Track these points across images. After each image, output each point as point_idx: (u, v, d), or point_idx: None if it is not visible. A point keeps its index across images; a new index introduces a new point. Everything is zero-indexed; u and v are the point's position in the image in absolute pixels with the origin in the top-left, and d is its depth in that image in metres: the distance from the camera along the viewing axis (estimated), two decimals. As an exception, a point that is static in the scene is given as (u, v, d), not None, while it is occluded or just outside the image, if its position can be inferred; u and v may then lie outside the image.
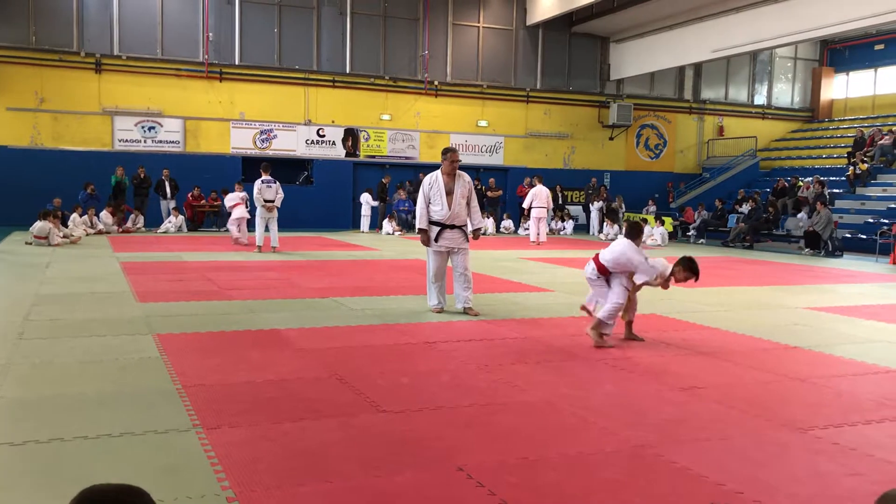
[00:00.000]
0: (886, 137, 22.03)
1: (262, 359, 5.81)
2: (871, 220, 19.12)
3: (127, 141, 20.48)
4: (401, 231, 20.70)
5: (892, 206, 19.34)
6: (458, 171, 8.20)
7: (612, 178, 25.39)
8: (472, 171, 21.06)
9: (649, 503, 3.38)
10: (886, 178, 21.18)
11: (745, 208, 20.93)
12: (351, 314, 7.91)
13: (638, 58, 24.14)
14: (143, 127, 20.62)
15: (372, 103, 22.70)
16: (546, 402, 4.85)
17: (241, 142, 21.54)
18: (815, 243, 17.80)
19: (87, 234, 17.04)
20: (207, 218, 20.53)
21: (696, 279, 6.68)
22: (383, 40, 22.69)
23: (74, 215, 17.37)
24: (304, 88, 22.01)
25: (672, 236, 21.16)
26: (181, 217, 19.57)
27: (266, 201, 14.29)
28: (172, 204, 19.75)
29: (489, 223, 21.21)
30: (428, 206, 8.12)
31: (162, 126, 20.80)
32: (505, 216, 23.49)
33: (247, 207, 16.50)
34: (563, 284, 10.72)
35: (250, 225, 15.94)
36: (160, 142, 20.83)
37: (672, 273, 6.63)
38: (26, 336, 6.44)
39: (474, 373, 5.59)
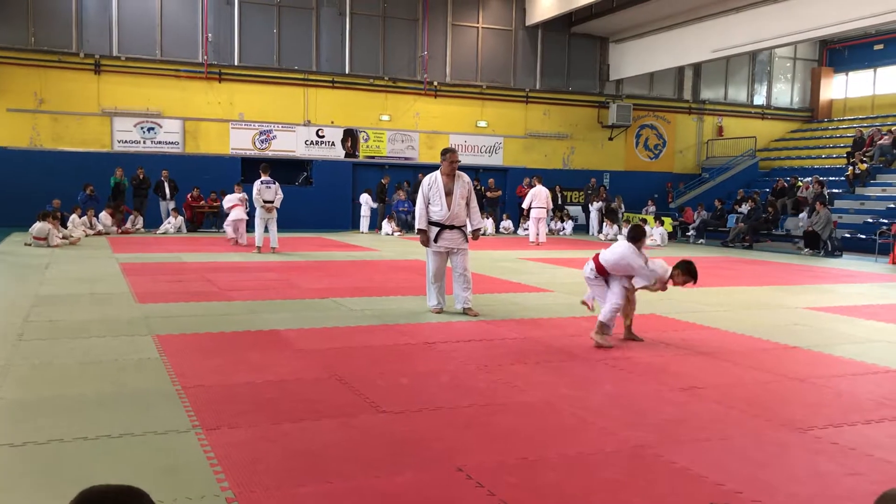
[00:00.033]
0: (886, 137, 22.04)
1: (261, 359, 5.81)
2: (871, 220, 19.13)
3: (126, 142, 20.48)
4: (400, 232, 20.70)
5: (892, 205, 19.35)
6: (457, 172, 8.20)
7: (612, 179, 25.40)
8: (472, 171, 21.06)
9: (649, 503, 3.38)
10: (886, 178, 21.19)
11: (745, 208, 20.94)
12: (350, 315, 7.91)
13: (637, 58, 24.15)
14: (142, 128, 20.62)
15: (371, 104, 22.71)
16: (545, 403, 4.85)
17: (241, 142, 21.54)
18: (815, 243, 17.80)
19: (87, 235, 17.04)
20: (207, 219, 20.53)
21: (694, 283, 6.67)
22: (382, 41, 22.69)
23: (74, 216, 17.37)
24: (304, 89, 22.01)
25: (671, 236, 21.17)
26: (180, 218, 19.57)
27: (265, 202, 14.29)
28: (172, 205, 19.75)
29: (488, 224, 21.22)
30: (427, 207, 8.12)
31: (161, 127, 20.80)
32: (504, 216, 23.50)
33: (246, 209, 16.51)
34: (562, 285, 10.72)
35: (250, 226, 15.96)
36: (159, 143, 20.83)
37: (671, 276, 6.62)
38: (26, 337, 6.43)
39: (474, 373, 5.59)
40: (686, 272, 6.56)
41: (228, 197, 17.01)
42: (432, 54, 23.13)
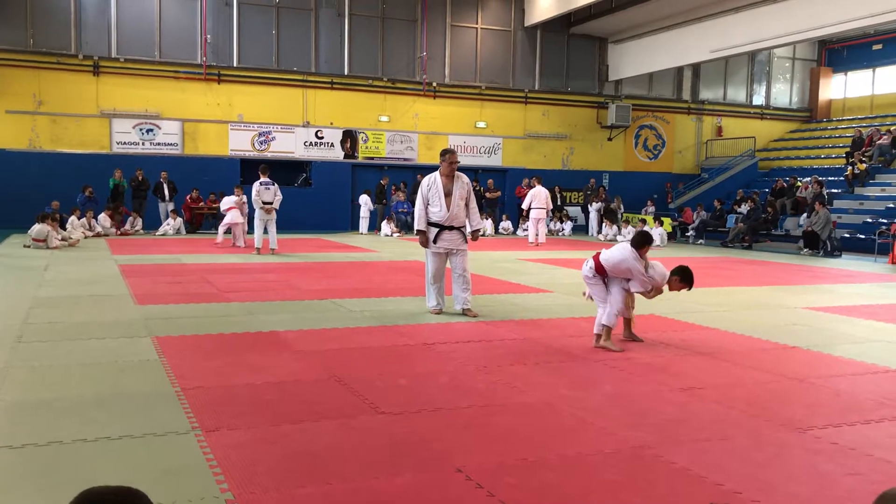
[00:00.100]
0: (885, 137, 22.05)
1: (260, 361, 5.81)
2: (870, 220, 19.13)
3: (125, 143, 20.48)
4: (399, 233, 20.70)
5: (891, 205, 19.36)
6: (456, 173, 8.20)
7: (611, 179, 25.40)
8: (471, 172, 21.05)
9: (648, 503, 3.38)
10: (885, 178, 21.20)
11: (744, 208, 20.94)
12: (350, 316, 7.91)
13: (636, 58, 24.15)
14: (141, 129, 20.62)
15: (370, 105, 22.71)
16: (545, 403, 4.85)
17: (240, 144, 21.54)
18: (814, 243, 17.81)
19: (86, 237, 17.03)
20: (206, 220, 20.51)
21: (689, 289, 6.67)
22: (381, 42, 22.69)
23: (73, 218, 17.36)
24: (303, 90, 22.01)
25: (671, 237, 21.17)
26: (179, 219, 19.56)
27: (265, 203, 14.28)
28: (171, 206, 19.75)
29: (488, 224, 21.22)
30: (426, 208, 8.12)
31: (160, 128, 20.80)
32: (503, 217, 23.50)
33: (243, 213, 16.50)
34: (561, 285, 10.72)
35: (249, 227, 15.96)
36: (158, 144, 20.82)
37: (668, 282, 6.60)
38: (25, 339, 6.43)
39: (473, 374, 5.59)
40: (683, 279, 6.55)
41: (225, 199, 17.02)
42: (431, 55, 23.14)
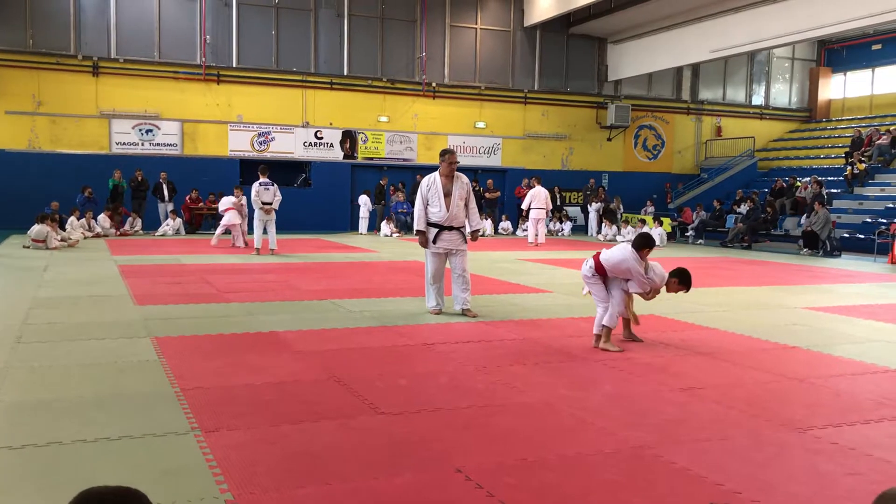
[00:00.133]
0: (884, 137, 22.05)
1: (260, 361, 5.80)
2: (869, 220, 19.14)
3: (124, 144, 20.48)
4: (399, 233, 20.70)
5: (890, 205, 19.36)
6: (456, 173, 8.20)
7: (611, 179, 25.41)
8: (470, 172, 21.04)
9: (648, 503, 3.38)
10: (884, 178, 21.20)
11: (744, 209, 20.95)
12: (349, 316, 7.91)
13: (636, 59, 24.16)
14: (140, 130, 20.62)
15: (369, 105, 22.71)
16: (544, 403, 4.85)
17: (239, 144, 21.54)
18: (814, 243, 17.81)
19: (85, 238, 17.02)
20: (205, 221, 20.50)
21: (687, 291, 6.67)
22: (381, 42, 22.69)
23: (72, 218, 17.35)
24: (302, 91, 22.01)
25: (670, 237, 21.18)
26: (179, 220, 19.56)
27: (264, 204, 14.28)
28: (170, 207, 19.74)
29: (487, 224, 21.22)
30: (426, 208, 8.11)
31: (159, 129, 20.80)
32: (503, 217, 23.50)
33: (241, 214, 16.49)
34: (561, 286, 10.72)
35: (249, 228, 15.96)
36: (158, 144, 20.82)
37: (666, 283, 6.60)
38: (24, 340, 6.43)
39: (472, 374, 5.59)
40: (682, 281, 6.55)
41: (224, 199, 17.03)
42: (430, 55, 23.14)
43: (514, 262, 14.16)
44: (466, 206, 8.22)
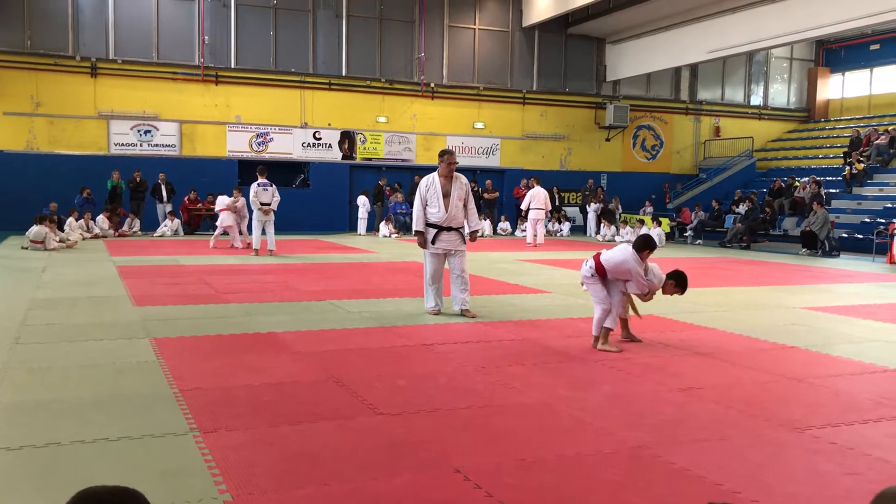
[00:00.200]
0: (882, 137, 22.07)
1: (259, 362, 5.80)
2: (868, 220, 19.15)
3: (123, 145, 20.46)
4: (397, 234, 20.70)
5: (889, 205, 19.38)
6: (454, 174, 8.20)
7: (609, 180, 25.42)
8: (469, 172, 21.04)
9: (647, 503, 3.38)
10: (883, 178, 21.22)
11: (742, 209, 20.96)
12: (348, 317, 7.91)
13: (634, 59, 24.17)
14: (138, 131, 20.61)
15: (368, 106, 22.70)
16: (543, 404, 4.85)
17: (238, 145, 21.53)
18: (812, 243, 17.82)
19: (84, 239, 17.01)
20: (204, 221, 20.48)
21: (682, 293, 6.70)
22: (379, 43, 22.69)
23: (71, 219, 17.34)
24: (301, 91, 22.01)
25: (669, 237, 21.18)
26: (177, 221, 19.55)
27: (262, 204, 14.27)
28: (168, 208, 19.74)
29: (486, 225, 21.21)
30: (425, 209, 8.11)
31: (158, 130, 20.79)
32: (502, 218, 23.50)
33: (240, 214, 16.48)
34: (560, 286, 10.72)
35: (249, 228, 15.95)
36: (156, 145, 20.81)
37: (663, 285, 6.61)
38: (23, 340, 6.42)
39: (471, 375, 5.59)
40: (678, 283, 6.57)
41: (220, 199, 17.02)
42: (429, 56, 23.14)
43: (512, 263, 14.17)
44: (465, 206, 8.22)
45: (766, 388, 5.41)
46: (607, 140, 25.75)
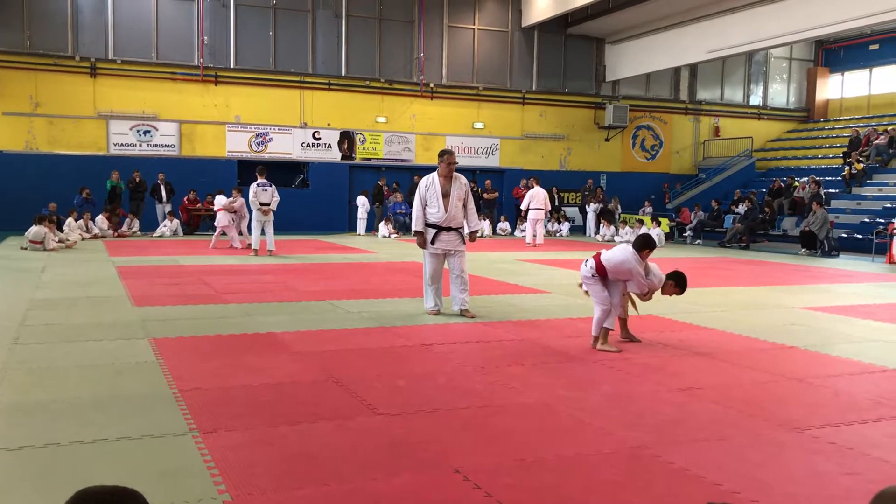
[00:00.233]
0: (882, 137, 22.07)
1: (258, 362, 5.80)
2: (867, 220, 19.16)
3: (122, 145, 20.46)
4: (397, 234, 20.70)
5: (888, 205, 19.38)
6: (454, 174, 8.21)
7: (609, 180, 25.42)
8: (469, 172, 21.05)
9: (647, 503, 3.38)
10: (882, 178, 21.22)
11: (742, 209, 20.96)
12: (347, 317, 7.91)
13: (633, 59, 24.17)
14: (138, 131, 20.60)
15: (367, 106, 22.70)
16: (543, 404, 4.85)
17: (237, 145, 21.53)
18: (812, 243, 17.82)
19: (83, 239, 17.00)
20: (203, 222, 20.47)
21: (681, 294, 6.71)
22: (378, 43, 22.69)
23: (70, 220, 17.33)
24: (300, 91, 22.01)
25: (668, 237, 21.18)
26: (176, 221, 19.55)
27: (262, 205, 14.27)
28: (168, 208, 19.73)
29: (485, 225, 21.21)
30: (424, 209, 8.11)
31: (157, 130, 20.79)
32: (502, 218, 23.50)
33: (240, 214, 16.48)
34: (559, 286, 10.72)
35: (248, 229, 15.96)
36: (155, 146, 20.81)
37: (662, 285, 6.62)
38: (22, 341, 6.42)
39: (471, 375, 5.59)
40: (678, 284, 6.58)
41: (217, 199, 17.01)
42: (428, 56, 23.14)
43: (512, 263, 14.17)
44: (465, 206, 8.22)
45: (766, 388, 5.41)
46: (607, 140, 25.75)
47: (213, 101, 21.14)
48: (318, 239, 19.29)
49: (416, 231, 8.21)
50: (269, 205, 14.34)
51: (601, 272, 6.49)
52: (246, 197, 15.56)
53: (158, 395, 4.86)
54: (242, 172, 20.74)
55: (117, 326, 7.10)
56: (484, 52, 23.91)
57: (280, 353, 6.18)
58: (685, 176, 26.85)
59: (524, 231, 20.27)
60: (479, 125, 23.96)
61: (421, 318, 7.94)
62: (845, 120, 27.27)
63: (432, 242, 8.12)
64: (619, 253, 6.52)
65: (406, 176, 22.68)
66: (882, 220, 18.17)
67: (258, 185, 14.33)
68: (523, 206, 19.81)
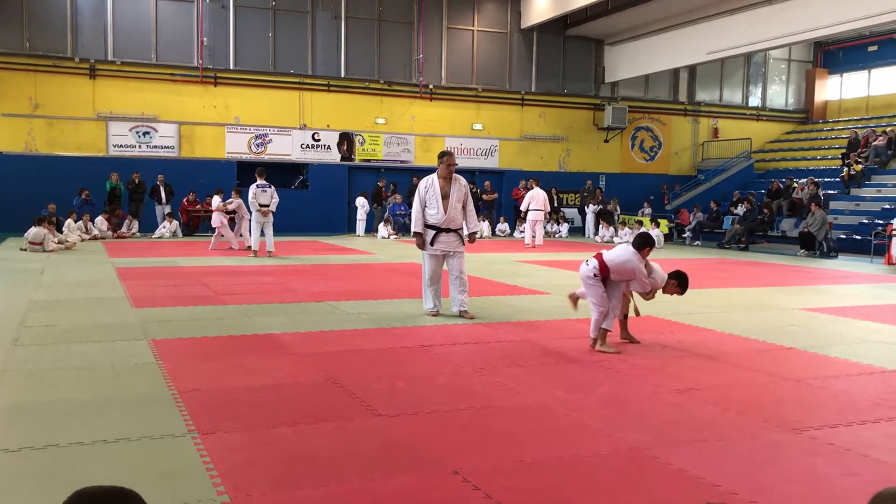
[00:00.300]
0: (880, 138, 22.09)
1: (257, 363, 5.80)
2: (866, 221, 19.16)
3: (121, 146, 20.46)
4: (396, 235, 20.70)
5: (887, 206, 19.39)
6: (454, 175, 8.21)
7: (608, 181, 25.43)
8: (468, 174, 21.04)
9: (645, 505, 3.38)
10: (881, 179, 21.23)
11: (741, 210, 20.97)
12: (346, 318, 7.91)
13: (632, 60, 24.18)
14: (137, 132, 20.61)
15: (367, 107, 22.71)
16: (542, 405, 4.85)
17: (236, 146, 21.53)
18: (810, 244, 17.83)
19: (82, 240, 17.00)
20: (202, 223, 20.46)
21: (682, 293, 6.72)
22: (378, 44, 22.70)
23: (69, 221, 17.33)
24: (299, 93, 22.01)
25: (667, 238, 21.19)
26: (176, 222, 19.55)
27: (261, 206, 14.28)
28: (167, 209, 19.73)
29: (485, 226, 21.22)
30: (424, 210, 8.12)
31: (156, 131, 20.79)
32: (501, 219, 23.50)
33: (240, 214, 16.48)
34: (559, 287, 10.70)
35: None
36: (155, 147, 20.81)
37: (664, 284, 6.63)
38: (21, 342, 6.42)
39: (470, 376, 5.59)
40: (680, 283, 6.59)
41: (214, 199, 17.03)
42: (428, 57, 23.15)
43: (511, 264, 14.17)
44: (464, 208, 8.23)
45: (764, 389, 5.42)
46: (606, 141, 25.77)
47: (213, 102, 21.14)
48: (317, 240, 19.29)
49: (415, 232, 8.22)
50: (268, 206, 14.35)
51: (605, 272, 6.47)
52: (245, 198, 15.55)
53: (157, 396, 4.86)
54: (242, 174, 20.74)
55: (116, 328, 7.10)
56: (483, 53, 23.93)
57: (279, 354, 6.18)
58: (684, 177, 26.85)
59: (523, 232, 20.27)
60: (478, 126, 23.97)
61: (420, 320, 7.94)
62: (844, 121, 27.29)
63: (431, 244, 8.12)
64: (622, 252, 6.52)
65: (405, 177, 22.67)
66: (881, 222, 18.18)
67: (257, 186, 14.34)
68: (523, 208, 19.82)
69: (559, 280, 11.66)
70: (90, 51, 20.00)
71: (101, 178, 19.27)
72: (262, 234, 14.48)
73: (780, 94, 28.47)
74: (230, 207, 16.53)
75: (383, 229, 20.94)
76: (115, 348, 6.24)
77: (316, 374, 5.52)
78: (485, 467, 3.72)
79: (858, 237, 18.48)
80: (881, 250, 16.55)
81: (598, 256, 6.56)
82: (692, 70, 26.32)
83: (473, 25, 23.76)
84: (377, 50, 22.68)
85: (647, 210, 23.34)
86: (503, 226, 23.24)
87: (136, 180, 19.62)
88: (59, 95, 19.73)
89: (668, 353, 6.52)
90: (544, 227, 20.68)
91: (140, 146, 20.63)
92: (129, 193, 19.64)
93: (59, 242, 15.22)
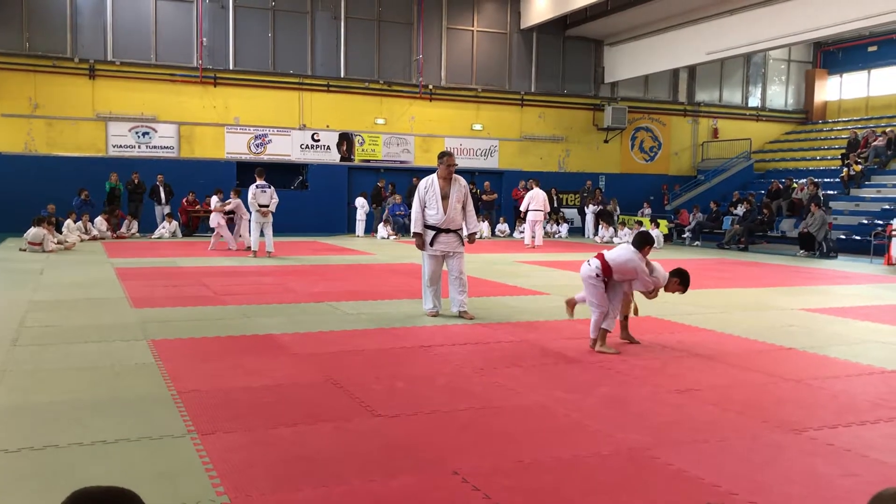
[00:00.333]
0: (880, 139, 22.10)
1: (257, 364, 5.80)
2: (866, 222, 19.17)
3: (121, 146, 20.46)
4: (396, 235, 20.70)
5: (887, 207, 19.39)
6: (453, 176, 8.21)
7: (608, 181, 25.43)
8: (468, 174, 21.04)
9: (645, 505, 3.38)
10: (880, 180, 21.24)
11: (740, 210, 20.97)
12: (346, 319, 7.91)
13: (632, 60, 24.19)
14: (137, 132, 20.61)
15: (366, 107, 22.71)
16: (541, 406, 4.85)
17: (236, 147, 21.53)
18: (810, 245, 17.83)
19: (82, 241, 17.00)
20: (202, 223, 20.46)
21: (684, 292, 6.72)
22: (377, 44, 22.70)
23: (69, 221, 17.32)
24: (299, 93, 22.01)
25: (667, 239, 21.20)
26: (175, 223, 19.54)
27: (260, 206, 14.27)
28: (167, 209, 19.73)
29: (484, 227, 21.22)
30: (423, 210, 8.12)
31: (156, 131, 20.79)
32: (500, 220, 23.50)
33: (242, 214, 16.47)
34: (558, 288, 10.71)
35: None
36: (154, 147, 20.81)
37: (666, 282, 6.63)
38: (21, 342, 6.42)
39: (469, 376, 5.59)
40: (681, 282, 6.59)
41: (212, 200, 17.03)
42: (427, 58, 23.15)
43: (511, 265, 14.17)
44: (464, 208, 8.23)
45: (764, 389, 5.42)
46: (605, 142, 25.77)
47: (212, 102, 21.14)
48: (316, 240, 19.29)
49: (415, 233, 8.22)
50: (267, 206, 14.35)
51: (608, 273, 6.46)
52: (245, 199, 15.55)
53: (157, 396, 4.86)
54: (241, 174, 20.74)
55: (116, 328, 7.10)
56: (483, 53, 23.93)
57: (279, 354, 6.18)
58: (684, 177, 26.85)
59: (523, 233, 20.27)
60: (477, 127, 23.98)
61: (420, 320, 7.94)
62: (844, 121, 27.30)
63: (431, 244, 8.12)
64: (623, 252, 6.53)
65: (405, 178, 22.67)
66: (880, 222, 18.19)
67: (257, 186, 14.34)
68: (522, 208, 19.82)
69: (559, 280, 11.66)
70: (90, 51, 20.00)
71: (101, 179, 19.27)
72: (262, 234, 14.48)
73: (779, 95, 28.47)
74: (227, 208, 16.52)
75: (383, 230, 20.94)
76: (114, 349, 6.24)
77: (315, 375, 5.52)
78: (484, 467, 3.72)
79: (858, 237, 18.49)
80: (881, 251, 16.55)
81: (600, 257, 6.55)
82: (692, 70, 26.33)
83: (473, 26, 23.76)
84: (377, 50, 22.68)
85: (647, 210, 23.34)
86: (503, 226, 23.24)
87: (136, 181, 19.62)
88: (58, 96, 19.73)
89: (667, 353, 6.52)
90: (544, 228, 20.68)
91: (139, 146, 20.63)
92: (128, 194, 19.64)
93: (58, 243, 15.22)
